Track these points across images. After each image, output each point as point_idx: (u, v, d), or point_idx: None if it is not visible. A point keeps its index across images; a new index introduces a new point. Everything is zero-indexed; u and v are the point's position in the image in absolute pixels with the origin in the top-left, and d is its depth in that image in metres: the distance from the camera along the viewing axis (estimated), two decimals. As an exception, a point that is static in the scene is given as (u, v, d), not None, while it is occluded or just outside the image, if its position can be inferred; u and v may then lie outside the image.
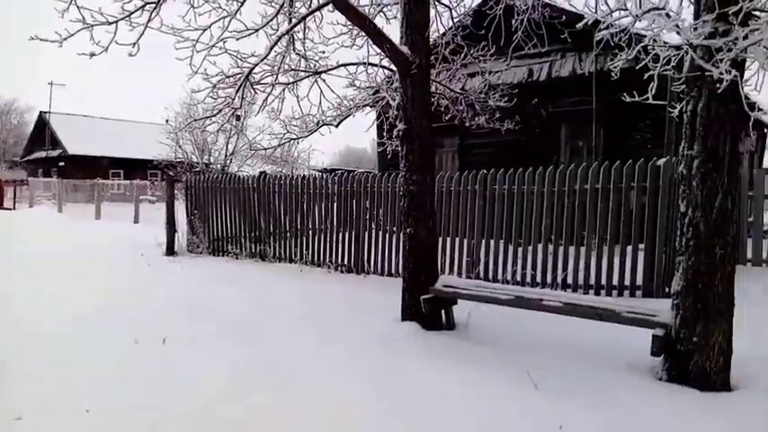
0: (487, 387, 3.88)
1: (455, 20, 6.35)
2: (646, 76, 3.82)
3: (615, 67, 4.07)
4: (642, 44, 3.45)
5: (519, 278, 7.51)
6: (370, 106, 6.99)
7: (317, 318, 5.72)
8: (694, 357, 3.85)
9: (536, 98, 10.71)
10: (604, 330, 4.57)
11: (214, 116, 5.82)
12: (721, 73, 3.28)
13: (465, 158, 11.96)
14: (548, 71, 10.63)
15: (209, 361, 4.42)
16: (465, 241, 8.00)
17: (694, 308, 3.86)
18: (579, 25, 3.60)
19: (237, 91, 5.64)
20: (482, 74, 8.44)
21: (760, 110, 11.96)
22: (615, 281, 6.81)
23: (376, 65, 6.13)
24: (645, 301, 6.22)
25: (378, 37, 4.96)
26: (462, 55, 6.96)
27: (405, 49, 5.15)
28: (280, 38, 5.29)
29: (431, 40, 7.36)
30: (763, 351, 4.19)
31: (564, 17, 6.88)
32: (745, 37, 3.17)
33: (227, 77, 5.80)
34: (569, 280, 7.14)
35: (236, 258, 10.16)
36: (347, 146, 68.19)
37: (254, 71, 5.90)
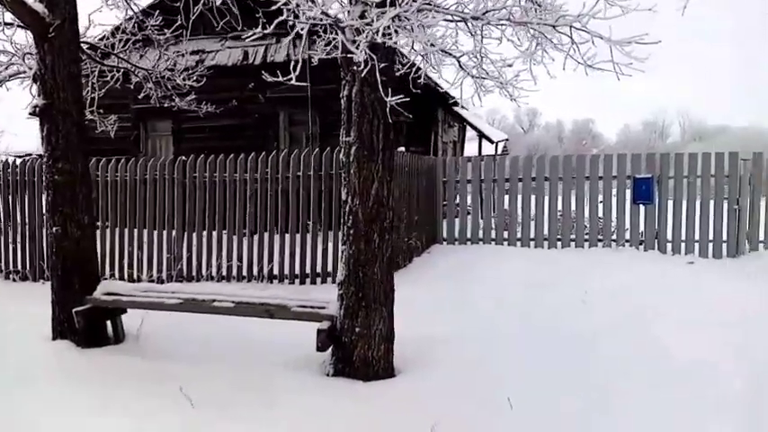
0: (132, 415, 3.26)
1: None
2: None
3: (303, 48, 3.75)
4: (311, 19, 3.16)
5: (224, 272, 7.01)
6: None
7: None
8: (358, 348, 3.79)
9: (253, 83, 10.25)
10: (285, 326, 4.30)
11: None
12: (363, 56, 3.16)
13: (181, 144, 10.99)
14: (263, 55, 10.26)
15: None
16: (164, 235, 7.18)
17: (356, 297, 3.78)
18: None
19: None
20: (185, 53, 7.66)
21: (456, 104, 13.41)
22: (319, 268, 6.77)
23: (12, 24, 4.92)
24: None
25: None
26: (133, 23, 6.07)
27: (39, 6, 4.14)
28: None
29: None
30: (423, 331, 4.36)
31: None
32: (379, 17, 3.07)
33: None
34: (276, 271, 6.89)
35: None
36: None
37: None
